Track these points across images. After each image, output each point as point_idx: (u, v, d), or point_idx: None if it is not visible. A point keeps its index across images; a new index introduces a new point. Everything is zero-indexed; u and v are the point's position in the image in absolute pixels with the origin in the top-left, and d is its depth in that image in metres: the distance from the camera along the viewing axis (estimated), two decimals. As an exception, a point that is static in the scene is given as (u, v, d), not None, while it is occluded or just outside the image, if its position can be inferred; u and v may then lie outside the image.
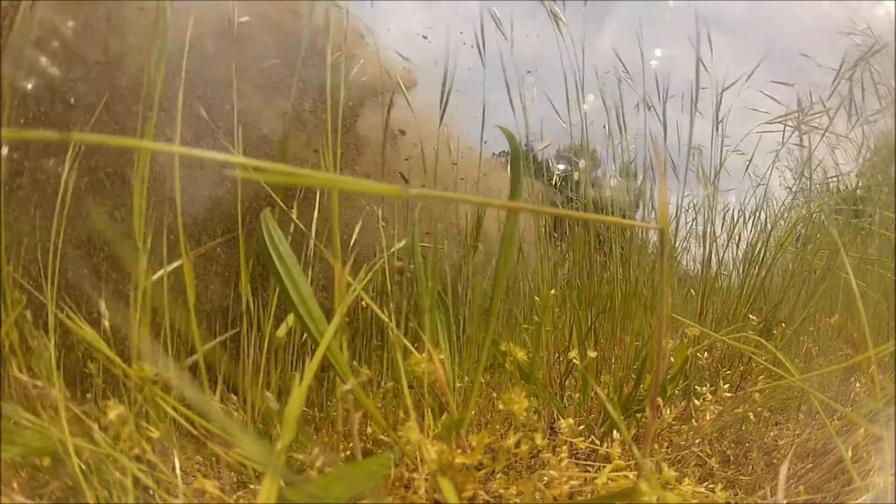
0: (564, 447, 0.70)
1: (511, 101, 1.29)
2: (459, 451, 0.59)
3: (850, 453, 0.73)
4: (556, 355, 1.13)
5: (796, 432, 0.97)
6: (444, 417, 0.70)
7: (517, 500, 0.64)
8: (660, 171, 1.24)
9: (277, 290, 0.63)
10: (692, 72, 1.28)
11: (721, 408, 0.93)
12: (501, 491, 0.65)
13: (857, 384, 1.02)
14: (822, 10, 1.48)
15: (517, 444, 0.63)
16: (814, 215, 1.35)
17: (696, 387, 0.98)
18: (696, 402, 0.94)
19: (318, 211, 0.94)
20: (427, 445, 0.54)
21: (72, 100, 1.11)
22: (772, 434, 1.00)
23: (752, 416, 0.95)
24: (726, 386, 0.93)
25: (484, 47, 1.28)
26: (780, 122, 1.32)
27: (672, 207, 1.34)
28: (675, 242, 1.44)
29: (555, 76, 1.30)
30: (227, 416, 0.74)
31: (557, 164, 1.55)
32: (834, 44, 1.33)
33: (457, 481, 0.55)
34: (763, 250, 1.33)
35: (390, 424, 0.72)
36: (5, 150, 0.65)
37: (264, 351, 0.84)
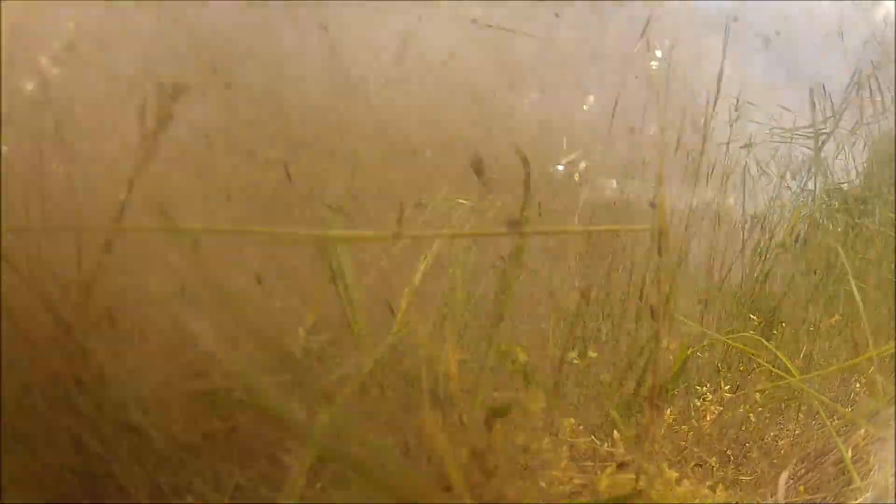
0: (565, 447, 0.70)
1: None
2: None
3: (850, 453, 0.73)
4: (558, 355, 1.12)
5: (796, 432, 0.97)
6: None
7: (517, 500, 0.64)
8: (658, 173, 1.24)
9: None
10: (690, 73, 1.28)
11: (721, 408, 0.93)
12: (501, 491, 0.65)
13: (857, 384, 1.03)
14: (822, 10, 1.48)
15: (517, 443, 0.63)
16: (814, 215, 1.35)
17: (697, 387, 0.98)
18: (696, 402, 0.94)
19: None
20: (440, 436, 0.54)
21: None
22: (772, 434, 1.00)
23: (752, 417, 0.95)
24: (727, 387, 0.93)
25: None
26: (784, 127, 1.32)
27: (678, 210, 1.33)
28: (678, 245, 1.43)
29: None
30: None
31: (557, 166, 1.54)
32: (834, 44, 1.33)
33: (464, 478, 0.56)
34: (765, 251, 1.34)
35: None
36: (5, 150, 0.64)
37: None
